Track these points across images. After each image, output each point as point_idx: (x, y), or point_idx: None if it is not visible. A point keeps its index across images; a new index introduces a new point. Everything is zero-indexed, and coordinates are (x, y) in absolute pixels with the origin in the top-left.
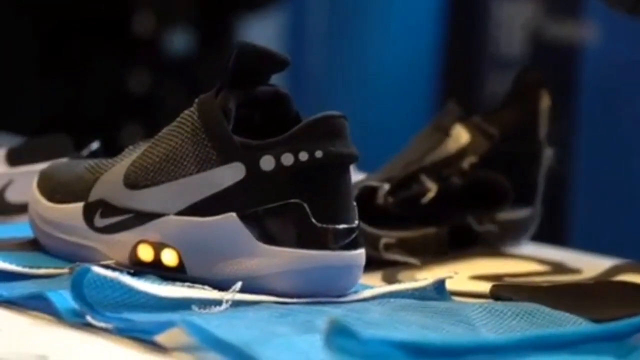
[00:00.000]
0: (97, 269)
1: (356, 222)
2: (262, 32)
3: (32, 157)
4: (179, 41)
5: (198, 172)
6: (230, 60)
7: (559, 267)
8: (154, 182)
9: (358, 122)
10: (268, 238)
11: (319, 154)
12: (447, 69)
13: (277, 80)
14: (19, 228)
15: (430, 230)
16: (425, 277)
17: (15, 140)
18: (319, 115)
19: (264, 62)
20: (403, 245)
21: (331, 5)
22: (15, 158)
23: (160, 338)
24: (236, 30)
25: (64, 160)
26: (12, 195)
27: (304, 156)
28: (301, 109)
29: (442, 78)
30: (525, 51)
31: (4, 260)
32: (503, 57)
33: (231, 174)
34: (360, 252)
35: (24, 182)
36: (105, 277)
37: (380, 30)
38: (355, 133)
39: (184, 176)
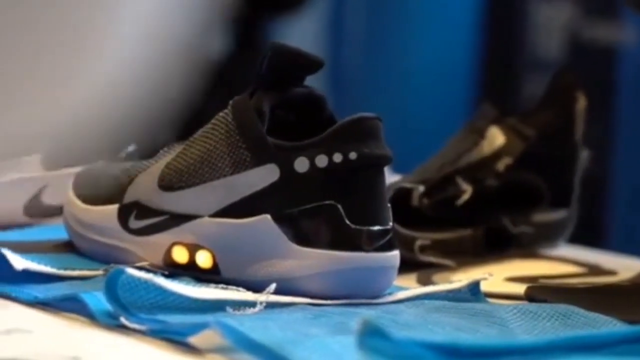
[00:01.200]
0: (131, 271)
1: (390, 223)
2: (297, 33)
3: (68, 160)
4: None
5: (232, 173)
6: (263, 61)
7: (594, 269)
8: (189, 184)
9: (394, 124)
10: (302, 239)
11: (353, 155)
12: (485, 71)
13: (314, 81)
14: (54, 230)
15: (466, 232)
16: (460, 278)
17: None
18: (353, 116)
19: (297, 63)
20: (438, 247)
21: (368, 6)
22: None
23: (194, 339)
24: (271, 31)
25: (100, 162)
26: (49, 198)
27: (338, 158)
28: (338, 110)
29: (479, 80)
30: (563, 53)
31: (39, 262)
32: (541, 58)
33: (265, 175)
34: (395, 254)
35: (61, 184)
36: (139, 279)
37: (418, 32)
38: (391, 134)
39: (218, 178)
